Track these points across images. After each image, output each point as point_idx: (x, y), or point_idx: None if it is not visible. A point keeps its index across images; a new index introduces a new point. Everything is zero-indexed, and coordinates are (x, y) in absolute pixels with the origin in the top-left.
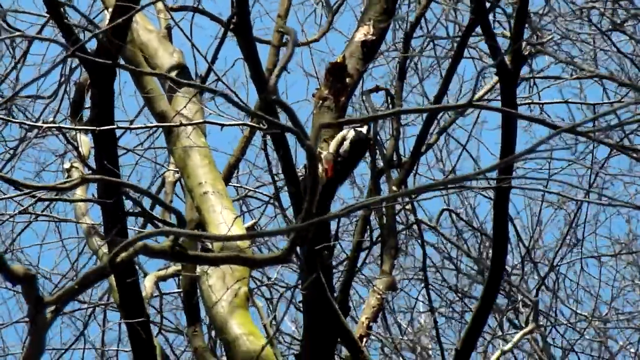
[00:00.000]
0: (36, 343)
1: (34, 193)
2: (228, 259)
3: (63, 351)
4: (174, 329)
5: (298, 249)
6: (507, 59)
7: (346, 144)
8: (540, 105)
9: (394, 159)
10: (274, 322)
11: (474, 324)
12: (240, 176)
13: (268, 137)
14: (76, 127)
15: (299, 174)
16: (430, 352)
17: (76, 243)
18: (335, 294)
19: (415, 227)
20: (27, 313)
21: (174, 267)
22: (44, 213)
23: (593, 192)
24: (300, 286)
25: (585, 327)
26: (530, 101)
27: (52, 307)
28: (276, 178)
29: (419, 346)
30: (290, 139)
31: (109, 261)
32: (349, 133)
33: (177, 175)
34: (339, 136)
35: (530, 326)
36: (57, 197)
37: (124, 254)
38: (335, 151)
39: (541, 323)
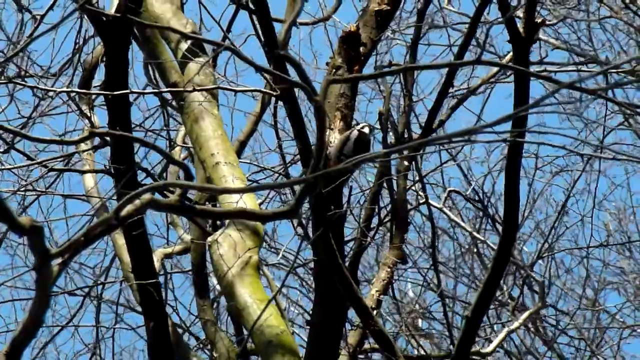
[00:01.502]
0: (42, 295)
1: (45, 163)
2: (236, 214)
3: (60, 328)
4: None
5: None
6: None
7: (350, 143)
8: (555, 74)
9: (405, 135)
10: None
11: (484, 293)
12: (251, 152)
13: (279, 105)
14: (89, 92)
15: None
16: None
17: (85, 219)
18: (346, 264)
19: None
20: (33, 265)
21: (181, 245)
22: (49, 190)
23: (604, 149)
24: (307, 261)
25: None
26: (543, 69)
27: (59, 260)
28: (285, 154)
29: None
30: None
31: (114, 212)
32: (352, 133)
33: (185, 153)
34: (343, 136)
35: (537, 305)
36: (67, 168)
37: (130, 207)
38: (339, 150)
39: (548, 302)
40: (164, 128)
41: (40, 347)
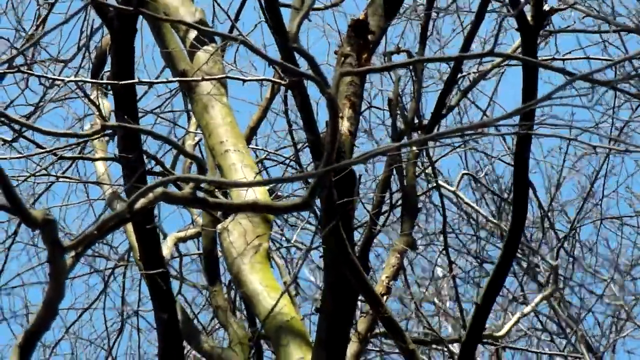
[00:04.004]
0: (56, 288)
1: (56, 151)
2: (249, 207)
3: (82, 311)
4: (193, 285)
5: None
6: (528, 16)
7: None
8: (562, 62)
9: (415, 121)
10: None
11: (493, 280)
12: (260, 139)
13: (289, 92)
14: (96, 81)
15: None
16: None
17: (96, 206)
18: (355, 253)
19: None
20: (47, 258)
21: (194, 229)
22: (64, 175)
23: (617, 141)
24: (319, 245)
25: (603, 290)
26: (551, 57)
27: (72, 253)
28: (296, 140)
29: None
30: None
31: (128, 206)
32: None
33: (196, 139)
34: None
35: (550, 289)
36: (78, 156)
37: (143, 200)
38: None
39: (560, 286)
40: (172, 110)
41: (65, 330)
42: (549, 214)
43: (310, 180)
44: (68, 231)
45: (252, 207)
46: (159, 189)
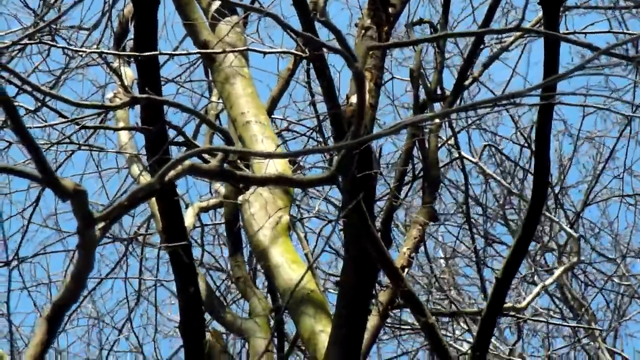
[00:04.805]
0: (85, 259)
1: (78, 120)
2: (275, 180)
3: (99, 280)
4: (213, 266)
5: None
6: None
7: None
8: (584, 36)
9: (438, 92)
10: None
11: (514, 253)
12: (282, 110)
13: (311, 65)
14: (118, 52)
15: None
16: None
17: (116, 174)
18: (377, 226)
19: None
20: (77, 229)
21: (216, 199)
22: (86, 143)
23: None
24: (342, 217)
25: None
26: (573, 30)
27: (101, 224)
28: (318, 111)
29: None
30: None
31: (158, 178)
32: None
33: (219, 107)
34: None
35: (573, 260)
36: (100, 125)
37: (172, 173)
38: None
39: (583, 258)
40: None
41: (81, 299)
42: (559, 194)
43: (334, 153)
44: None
45: (279, 181)
46: (187, 162)
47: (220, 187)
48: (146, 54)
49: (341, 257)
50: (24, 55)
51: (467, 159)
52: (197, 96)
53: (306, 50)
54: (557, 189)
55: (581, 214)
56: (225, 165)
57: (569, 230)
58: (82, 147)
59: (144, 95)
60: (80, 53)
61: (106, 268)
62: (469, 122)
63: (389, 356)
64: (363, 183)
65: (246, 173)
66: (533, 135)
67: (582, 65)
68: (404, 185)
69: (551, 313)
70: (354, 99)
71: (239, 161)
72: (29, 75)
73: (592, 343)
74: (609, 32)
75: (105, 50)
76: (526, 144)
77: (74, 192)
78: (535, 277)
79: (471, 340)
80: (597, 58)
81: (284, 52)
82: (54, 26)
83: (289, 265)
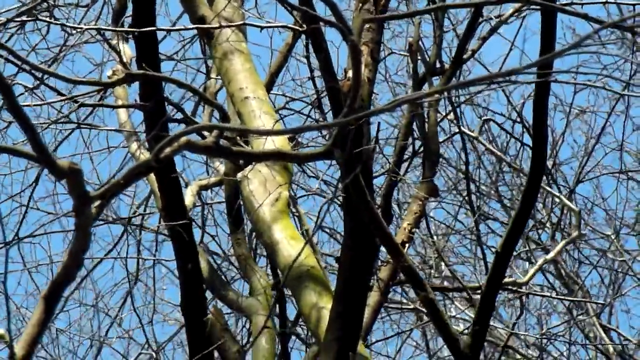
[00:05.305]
0: (81, 238)
1: (76, 98)
2: (271, 155)
3: (99, 260)
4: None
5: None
6: None
7: None
8: (581, 6)
9: (437, 66)
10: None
11: (513, 227)
12: (281, 87)
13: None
14: (116, 29)
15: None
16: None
17: (115, 154)
18: (377, 201)
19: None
20: (72, 208)
21: (216, 177)
22: (85, 122)
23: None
24: (338, 191)
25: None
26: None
27: (98, 202)
28: (317, 86)
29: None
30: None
31: (154, 155)
32: None
33: (218, 85)
34: None
35: (574, 234)
36: (99, 103)
37: (168, 149)
38: None
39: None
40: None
41: (79, 280)
42: (552, 170)
43: (332, 129)
44: (88, 180)
45: (275, 156)
46: (184, 138)
47: (220, 165)
48: (143, 29)
49: (341, 235)
50: (22, 32)
51: (466, 134)
52: (196, 73)
53: (303, 24)
54: (550, 165)
55: (574, 190)
56: (221, 141)
57: (569, 203)
58: (82, 126)
59: (140, 72)
60: (78, 30)
61: (101, 251)
62: (463, 99)
63: (379, 337)
64: (359, 157)
65: (243, 149)
66: (524, 112)
67: (578, 43)
68: (404, 162)
69: (545, 290)
70: (351, 73)
71: (238, 138)
72: (29, 54)
73: (586, 320)
74: (606, 2)
75: (103, 27)
76: (518, 119)
77: (69, 171)
78: (530, 255)
79: (468, 318)
80: (596, 33)
81: (281, 27)
82: (52, 2)
83: (288, 241)
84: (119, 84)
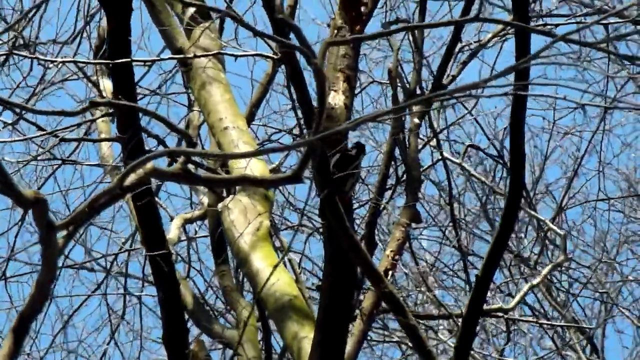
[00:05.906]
0: (48, 268)
1: (57, 132)
2: (240, 180)
3: (86, 297)
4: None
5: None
6: None
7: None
8: (556, 27)
9: (417, 92)
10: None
11: (493, 250)
12: (262, 119)
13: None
14: (91, 61)
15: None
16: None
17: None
18: (361, 229)
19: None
20: (39, 238)
21: (200, 210)
22: (68, 158)
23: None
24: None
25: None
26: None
27: (64, 232)
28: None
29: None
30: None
31: (118, 181)
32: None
33: (202, 119)
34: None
35: (560, 258)
36: (79, 137)
37: (133, 176)
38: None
39: (570, 256)
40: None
41: (66, 319)
42: (532, 198)
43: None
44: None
45: (242, 180)
46: (150, 165)
47: (204, 198)
48: (118, 60)
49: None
50: (1, 70)
51: (450, 160)
52: (179, 107)
53: (277, 52)
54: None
55: (557, 218)
56: (189, 167)
57: (554, 227)
58: (66, 162)
59: (104, 100)
60: (54, 63)
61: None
62: (450, 123)
63: None
64: (338, 182)
65: (210, 175)
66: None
67: (536, 55)
68: (387, 190)
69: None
70: (329, 99)
71: (219, 167)
72: (12, 93)
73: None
74: (576, 22)
75: (79, 60)
76: (492, 137)
77: (34, 200)
78: (511, 286)
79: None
80: (553, 46)
81: (256, 55)
82: (32, 40)
83: (269, 271)
84: (82, 113)
